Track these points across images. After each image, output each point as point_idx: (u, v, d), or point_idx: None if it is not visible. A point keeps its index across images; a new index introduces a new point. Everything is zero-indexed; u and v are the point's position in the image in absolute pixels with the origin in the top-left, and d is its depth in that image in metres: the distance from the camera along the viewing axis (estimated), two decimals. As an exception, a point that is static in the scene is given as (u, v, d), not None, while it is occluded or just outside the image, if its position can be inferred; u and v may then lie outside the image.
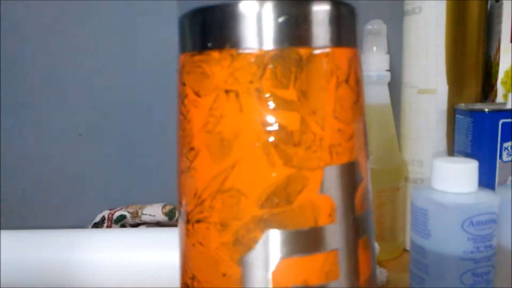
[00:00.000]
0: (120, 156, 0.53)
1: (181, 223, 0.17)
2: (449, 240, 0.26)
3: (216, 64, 0.14)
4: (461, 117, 0.40)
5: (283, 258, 0.14)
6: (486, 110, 0.38)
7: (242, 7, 0.14)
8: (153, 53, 0.52)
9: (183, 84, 0.16)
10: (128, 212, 0.50)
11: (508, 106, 0.38)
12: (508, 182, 0.37)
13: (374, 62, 0.42)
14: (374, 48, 0.43)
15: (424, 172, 0.42)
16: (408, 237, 0.44)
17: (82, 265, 0.38)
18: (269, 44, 0.14)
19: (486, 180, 0.37)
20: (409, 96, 0.43)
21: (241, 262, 0.15)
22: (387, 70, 0.43)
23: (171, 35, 0.52)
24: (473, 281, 0.26)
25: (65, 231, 0.41)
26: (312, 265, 0.14)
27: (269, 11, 0.14)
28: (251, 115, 0.14)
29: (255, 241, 0.14)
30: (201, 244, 0.15)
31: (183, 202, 0.16)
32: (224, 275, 0.15)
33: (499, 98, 0.42)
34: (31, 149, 0.53)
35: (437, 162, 0.27)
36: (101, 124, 0.53)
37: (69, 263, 0.39)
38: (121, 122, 0.53)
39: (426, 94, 0.42)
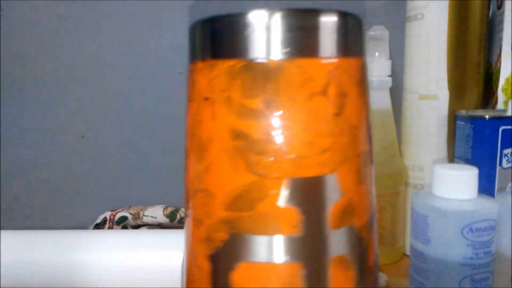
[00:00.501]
0: (123, 157, 0.54)
1: None
2: (449, 246, 0.26)
3: (200, 73, 0.16)
4: (462, 123, 0.40)
5: (243, 261, 0.15)
6: (487, 116, 0.38)
7: (218, 21, 0.15)
8: (156, 55, 0.53)
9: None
10: (130, 213, 0.50)
11: (509, 113, 0.38)
12: (508, 188, 0.37)
13: (376, 67, 0.43)
14: (376, 54, 0.43)
15: (425, 177, 0.43)
16: (408, 241, 0.45)
17: (83, 266, 0.39)
18: (240, 54, 0.15)
19: (486, 186, 0.37)
20: (410, 102, 0.43)
21: (210, 258, 0.16)
22: (388, 76, 0.43)
23: (173, 37, 0.52)
24: (472, 286, 0.26)
25: (66, 232, 0.41)
26: (272, 273, 0.15)
27: (242, 23, 0.15)
28: (222, 122, 0.15)
29: (221, 241, 0.15)
30: (189, 236, 0.17)
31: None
32: (199, 267, 0.16)
33: (500, 105, 0.42)
34: (33, 150, 0.54)
35: (438, 169, 0.28)
36: (104, 125, 0.53)
37: (70, 264, 0.39)
38: (124, 123, 0.53)
39: (427, 100, 0.42)
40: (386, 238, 0.44)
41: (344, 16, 0.15)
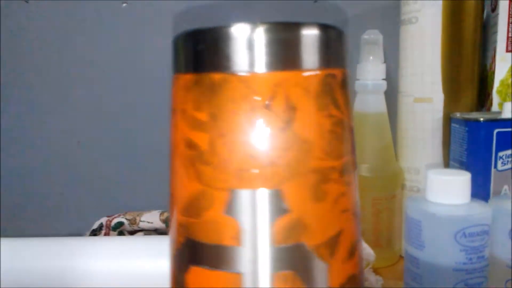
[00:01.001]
0: (119, 163, 0.54)
1: None
2: (442, 251, 0.27)
3: (174, 86, 0.17)
4: (457, 126, 0.40)
5: (193, 265, 0.16)
6: (481, 119, 0.38)
7: (184, 37, 0.16)
8: (154, 60, 0.53)
9: None
10: (126, 219, 0.50)
11: (503, 116, 0.38)
12: (503, 191, 0.37)
13: (371, 71, 0.43)
14: (371, 58, 0.43)
15: (421, 180, 0.43)
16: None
17: (80, 273, 0.39)
18: (195, 69, 0.15)
19: (481, 189, 0.37)
20: (405, 105, 0.43)
21: (174, 259, 0.17)
22: (383, 79, 0.43)
23: (170, 41, 0.52)
24: (465, 292, 0.27)
25: (63, 239, 0.41)
26: (215, 281, 0.15)
27: (196, 39, 0.15)
28: (180, 132, 0.16)
29: (179, 243, 0.16)
30: None
31: None
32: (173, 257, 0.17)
33: (495, 107, 0.43)
34: (29, 157, 0.54)
35: (431, 175, 0.28)
36: (100, 131, 0.53)
37: (67, 271, 0.39)
38: (120, 129, 0.53)
39: (422, 103, 0.42)
40: (383, 241, 0.44)
41: (297, 27, 0.15)
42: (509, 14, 0.41)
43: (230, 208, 0.15)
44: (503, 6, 0.41)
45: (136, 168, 0.54)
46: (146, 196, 0.54)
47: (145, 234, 0.49)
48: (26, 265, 0.39)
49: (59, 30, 0.52)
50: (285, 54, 0.15)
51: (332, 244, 0.16)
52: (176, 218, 0.17)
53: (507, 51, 0.42)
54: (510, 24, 0.41)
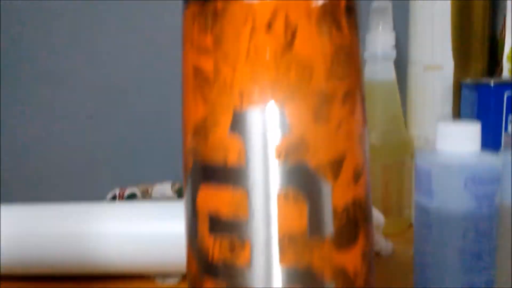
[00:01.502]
0: (130, 136, 0.55)
1: None
2: (452, 199, 0.27)
3: (184, 17, 0.17)
4: (467, 92, 0.40)
5: (203, 183, 0.17)
6: (492, 83, 0.38)
7: None
8: (165, 35, 0.54)
9: None
10: (139, 190, 0.51)
11: (514, 80, 0.38)
12: (513, 153, 0.37)
13: (380, 39, 0.43)
14: (380, 26, 0.43)
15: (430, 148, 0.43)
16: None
17: (94, 237, 0.39)
18: None
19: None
20: (415, 73, 0.44)
21: (187, 179, 0.18)
22: (392, 48, 0.43)
23: (180, 17, 0.53)
24: (475, 238, 0.27)
25: (77, 205, 0.42)
26: (222, 196, 0.16)
27: None
28: (188, 61, 0.17)
29: (189, 167, 0.17)
30: None
31: None
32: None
33: (505, 74, 0.43)
34: (41, 131, 0.55)
35: (441, 124, 0.28)
36: (111, 105, 0.54)
37: (82, 235, 0.40)
38: (131, 103, 0.54)
39: (432, 71, 0.42)
40: (393, 208, 0.45)
41: None
42: (519, -20, 0.41)
43: (234, 127, 0.16)
44: (513, -27, 0.41)
45: (149, 140, 0.55)
46: (158, 168, 0.55)
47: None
48: (39, 230, 0.40)
49: (71, 1, 0.53)
50: None
51: (335, 166, 0.16)
52: (186, 144, 0.18)
53: (517, 17, 0.42)
54: (521, -9, 0.41)
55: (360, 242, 0.17)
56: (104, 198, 0.50)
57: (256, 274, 0.16)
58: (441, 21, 0.41)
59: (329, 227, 0.16)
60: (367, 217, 0.18)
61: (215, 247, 0.17)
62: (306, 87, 0.16)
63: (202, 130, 0.17)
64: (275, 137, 0.16)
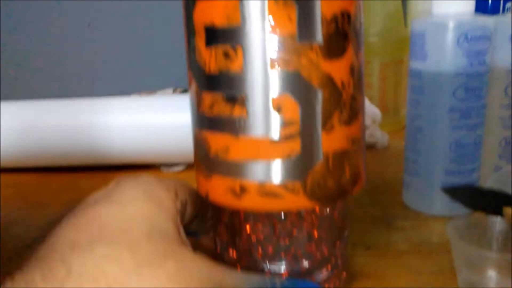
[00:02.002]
0: (131, 44, 0.55)
1: None
2: (444, 58, 0.28)
3: None
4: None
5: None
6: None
7: None
8: None
9: None
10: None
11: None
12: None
13: None
14: None
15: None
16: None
17: (100, 128, 0.41)
18: None
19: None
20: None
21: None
22: None
23: None
24: (465, 95, 0.28)
25: (81, 100, 0.43)
26: (216, 6, 0.17)
27: None
28: None
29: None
30: None
31: None
32: None
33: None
34: (41, 38, 0.55)
35: (437, -13, 0.28)
36: (110, 13, 0.54)
37: (86, 127, 0.41)
38: (130, 10, 0.54)
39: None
40: (389, 106, 0.46)
41: None
42: None
43: None
44: None
45: (149, 47, 0.55)
46: (159, 75, 0.56)
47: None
48: (47, 123, 0.41)
49: None
50: None
51: None
52: None
53: None
54: None
55: (348, 55, 0.18)
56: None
57: (249, 79, 0.17)
58: None
59: (317, 33, 0.17)
60: (357, 33, 0.19)
61: (211, 59, 0.18)
62: None
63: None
64: None
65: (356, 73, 0.19)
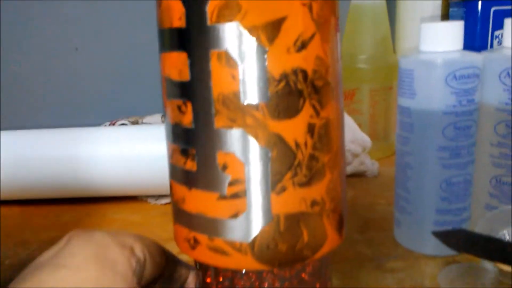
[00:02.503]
0: (119, 69, 0.54)
1: None
2: (433, 96, 0.27)
3: None
4: (455, 9, 0.40)
5: (162, 51, 0.18)
6: (479, -1, 0.38)
7: None
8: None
9: None
10: (129, 121, 0.51)
11: (501, -5, 0.38)
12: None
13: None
14: None
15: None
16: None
17: (87, 160, 0.40)
18: None
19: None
20: (404, -6, 0.43)
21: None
22: (382, -32, 0.43)
23: None
24: (454, 134, 0.27)
25: (67, 129, 0.42)
26: (172, 60, 0.17)
27: None
28: None
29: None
30: None
31: None
32: None
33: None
34: (29, 63, 0.54)
35: (424, 25, 0.28)
36: (98, 37, 0.54)
37: (72, 158, 0.40)
38: (118, 35, 0.54)
39: (420, -10, 0.42)
40: (379, 132, 0.45)
41: None
42: None
43: None
44: None
45: (137, 73, 0.55)
46: (147, 100, 0.55)
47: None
48: (31, 153, 0.40)
49: None
50: None
51: (272, 28, 0.16)
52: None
53: None
54: None
55: (304, 114, 0.17)
56: (95, 131, 0.50)
57: (197, 135, 0.17)
58: None
59: (263, 93, 0.16)
60: (318, 91, 0.17)
61: (171, 110, 0.18)
62: None
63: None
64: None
65: (318, 132, 0.17)
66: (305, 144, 0.17)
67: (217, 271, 0.19)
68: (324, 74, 0.17)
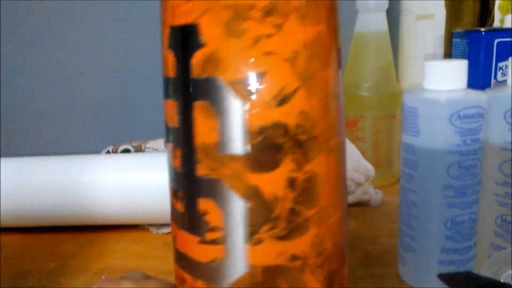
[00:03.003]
0: (123, 94, 0.55)
1: None
2: (437, 135, 0.27)
3: None
4: (458, 40, 0.40)
5: (164, 99, 0.19)
6: (482, 30, 0.38)
7: None
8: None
9: None
10: (132, 146, 0.51)
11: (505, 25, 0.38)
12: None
13: (372, -11, 0.43)
14: (373, -25, 0.43)
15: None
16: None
17: (89, 188, 0.40)
18: None
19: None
20: (407, 23, 0.43)
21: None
22: (385, -3, 0.43)
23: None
24: (459, 173, 0.27)
25: (69, 157, 0.42)
26: (167, 107, 0.18)
27: None
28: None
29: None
30: None
31: None
32: None
33: (496, 24, 0.42)
34: (33, 87, 0.55)
35: (428, 63, 0.28)
36: (103, 62, 0.54)
37: (76, 186, 0.40)
38: (123, 60, 0.54)
39: (424, 20, 0.42)
40: (382, 160, 0.45)
41: None
42: None
43: (169, 43, 0.18)
44: None
45: (141, 98, 0.55)
46: (151, 125, 0.55)
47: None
48: (32, 181, 0.40)
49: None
50: None
51: (251, 83, 0.16)
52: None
53: (511, -35, 0.41)
54: None
55: (284, 168, 0.16)
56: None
57: (183, 180, 0.18)
58: (433, -31, 0.41)
59: (241, 145, 0.16)
60: (301, 145, 0.17)
61: (169, 154, 0.19)
62: (219, 1, 0.16)
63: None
64: (191, 51, 0.16)
65: (301, 186, 0.17)
66: (285, 197, 0.17)
67: None
68: (309, 129, 0.17)
